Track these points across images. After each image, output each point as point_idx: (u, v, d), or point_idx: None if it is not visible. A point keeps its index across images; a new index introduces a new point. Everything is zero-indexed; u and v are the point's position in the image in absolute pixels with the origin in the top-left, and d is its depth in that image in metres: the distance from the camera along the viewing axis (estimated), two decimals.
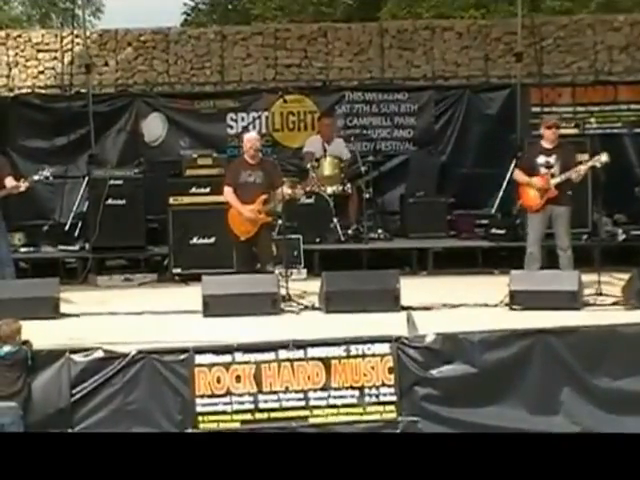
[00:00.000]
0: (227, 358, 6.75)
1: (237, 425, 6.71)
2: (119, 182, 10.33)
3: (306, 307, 8.18)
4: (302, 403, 6.77)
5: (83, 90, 12.10)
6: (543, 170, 8.68)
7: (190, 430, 6.65)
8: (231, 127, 12.15)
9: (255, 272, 8.52)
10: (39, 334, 6.87)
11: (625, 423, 6.79)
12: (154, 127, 12.11)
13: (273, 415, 6.75)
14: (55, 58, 12.47)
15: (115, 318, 7.98)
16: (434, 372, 6.86)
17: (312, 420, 6.76)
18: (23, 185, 8.71)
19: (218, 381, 6.73)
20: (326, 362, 6.80)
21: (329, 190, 10.76)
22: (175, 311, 8.06)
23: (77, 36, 12.36)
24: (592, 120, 11.05)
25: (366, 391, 6.80)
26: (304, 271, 10.01)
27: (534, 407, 6.89)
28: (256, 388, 6.75)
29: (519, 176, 8.88)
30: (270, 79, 12.50)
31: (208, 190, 9.93)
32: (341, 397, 6.81)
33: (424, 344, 6.88)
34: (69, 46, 12.38)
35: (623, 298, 7.96)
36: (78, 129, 11.88)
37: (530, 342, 6.94)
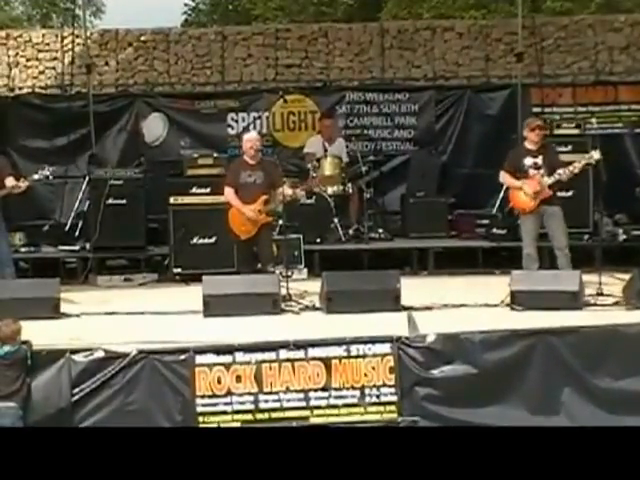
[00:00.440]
0: (228, 358, 6.74)
1: (237, 425, 6.68)
2: (119, 182, 10.34)
3: (307, 307, 8.17)
4: (303, 403, 6.75)
5: (83, 90, 12.13)
6: (532, 172, 8.66)
7: None
8: (232, 127, 12.16)
9: (256, 272, 8.53)
10: (39, 334, 6.86)
11: (626, 423, 6.75)
12: (155, 127, 12.13)
13: (274, 415, 6.73)
14: (55, 58, 12.49)
15: (115, 318, 7.97)
16: (435, 372, 6.84)
17: (313, 420, 6.74)
18: (23, 185, 8.71)
19: (219, 381, 6.72)
20: (327, 362, 6.79)
21: (330, 190, 10.76)
22: (176, 311, 8.05)
23: (77, 36, 12.39)
24: (593, 120, 11.04)
25: (367, 391, 6.78)
26: (305, 271, 10.03)
27: (535, 407, 6.87)
28: (257, 388, 6.73)
29: (508, 180, 8.82)
30: (271, 79, 12.52)
31: (209, 190, 9.94)
32: (342, 397, 6.79)
33: (425, 344, 6.87)
34: (69, 46, 12.40)
35: (624, 298, 7.95)
36: (78, 129, 11.91)
37: (531, 342, 6.93)
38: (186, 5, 22.12)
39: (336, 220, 10.69)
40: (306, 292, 8.61)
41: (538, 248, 8.82)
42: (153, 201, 10.49)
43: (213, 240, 9.93)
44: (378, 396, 6.79)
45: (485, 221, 11.12)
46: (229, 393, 6.72)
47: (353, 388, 6.79)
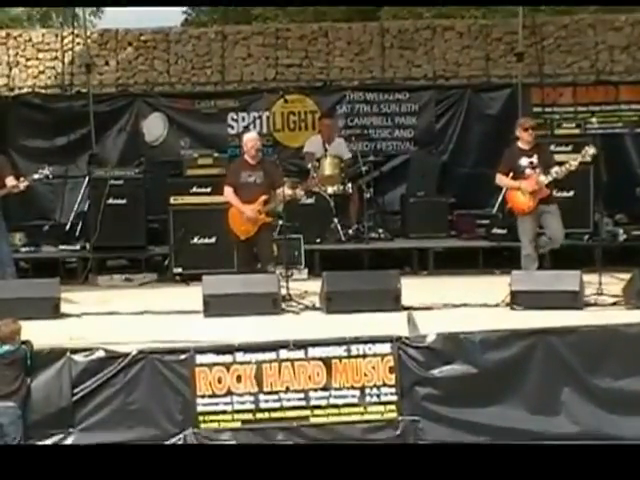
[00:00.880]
0: (228, 358, 6.74)
1: (238, 425, 6.70)
2: (120, 182, 10.36)
3: (307, 307, 8.18)
4: (303, 403, 6.76)
5: (84, 90, 12.14)
6: (528, 171, 8.65)
7: (191, 430, 6.64)
8: (232, 127, 12.17)
9: (256, 272, 8.52)
10: (40, 334, 6.87)
11: (626, 423, 6.78)
12: (155, 127, 12.13)
13: (274, 415, 6.74)
14: (56, 58, 12.50)
15: (116, 318, 7.98)
16: (435, 372, 6.85)
17: (313, 420, 6.75)
18: (22, 184, 8.73)
19: (219, 381, 6.72)
20: (327, 362, 6.79)
21: (330, 190, 10.77)
22: (176, 311, 8.06)
23: (77, 36, 12.40)
24: (593, 120, 11.06)
25: (367, 391, 6.79)
26: (305, 271, 10.03)
27: (535, 407, 6.88)
28: (257, 388, 6.74)
29: (504, 181, 8.81)
30: (271, 79, 12.53)
31: (209, 190, 9.94)
32: (342, 397, 6.80)
33: (425, 344, 6.87)
34: (69, 46, 12.41)
35: (624, 298, 7.96)
36: (79, 129, 11.92)
37: (531, 342, 6.93)
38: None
39: (336, 220, 10.69)
40: (306, 292, 8.62)
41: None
42: (153, 201, 10.50)
43: (213, 240, 9.93)
44: (378, 396, 6.80)
45: (485, 221, 11.13)
46: (229, 393, 6.73)
47: (353, 388, 6.79)
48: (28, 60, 12.54)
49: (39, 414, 6.60)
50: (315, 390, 6.77)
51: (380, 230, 11.02)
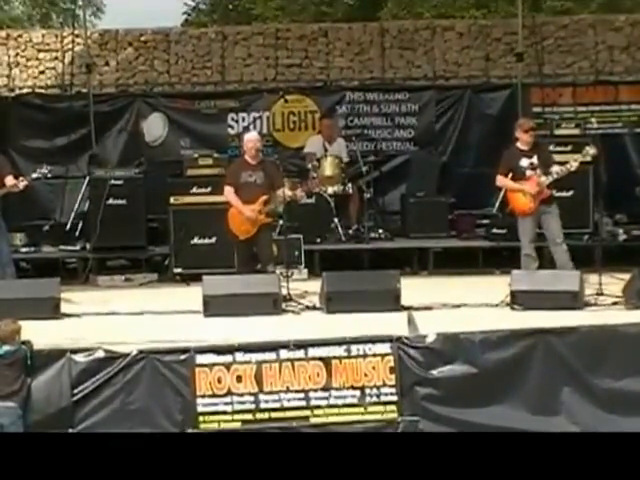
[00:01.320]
0: (228, 358, 6.75)
1: (238, 425, 6.71)
2: (120, 182, 10.36)
3: (307, 307, 8.18)
4: (303, 403, 6.76)
5: (84, 90, 12.15)
6: (529, 172, 8.64)
7: (190, 430, 6.64)
8: (232, 127, 12.17)
9: (256, 272, 8.53)
10: (40, 334, 6.87)
11: (626, 423, 6.78)
12: (155, 127, 12.14)
13: (274, 415, 6.74)
14: (56, 58, 12.51)
15: (116, 318, 7.99)
16: (435, 372, 6.85)
17: (313, 420, 6.75)
18: (22, 183, 8.72)
19: (219, 381, 6.73)
20: (327, 362, 6.80)
21: (330, 190, 10.77)
22: (176, 311, 8.06)
23: (78, 36, 12.41)
24: (593, 120, 11.04)
25: (367, 391, 6.80)
26: (305, 271, 10.03)
27: (535, 407, 6.88)
28: (257, 388, 6.74)
29: (506, 182, 8.79)
30: (271, 79, 12.53)
31: (209, 190, 9.95)
32: (342, 397, 6.80)
33: (425, 344, 6.88)
34: (70, 46, 12.42)
35: (624, 298, 7.96)
36: (79, 129, 11.92)
37: (531, 342, 6.94)
38: (186, 5, 22.14)
39: (336, 220, 10.69)
40: (306, 292, 8.62)
41: (537, 248, 8.83)
42: (153, 201, 10.49)
43: (213, 240, 9.93)
44: (378, 396, 6.80)
45: (485, 221, 11.14)
46: (229, 393, 6.73)
47: (353, 388, 6.80)
48: (28, 60, 12.54)
49: (39, 414, 6.60)
50: (315, 390, 6.77)
51: (380, 230, 11.03)
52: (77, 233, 10.97)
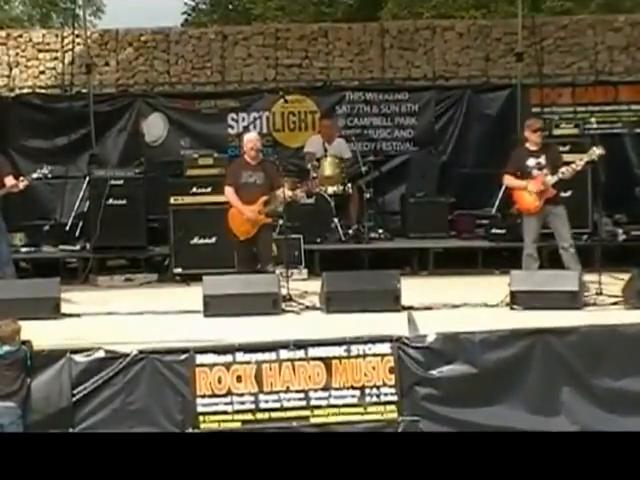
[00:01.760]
0: (228, 358, 6.75)
1: (238, 425, 6.71)
2: (120, 182, 10.38)
3: (307, 307, 8.19)
4: (303, 403, 6.77)
5: (84, 90, 12.16)
6: (535, 172, 8.65)
7: (191, 430, 6.65)
8: (232, 127, 12.19)
9: (256, 272, 8.53)
10: (40, 334, 6.88)
11: (625, 423, 6.79)
12: (155, 127, 12.15)
13: (274, 415, 6.75)
14: (56, 58, 12.52)
15: (116, 318, 7.99)
16: (435, 372, 6.86)
17: (313, 420, 6.76)
18: (22, 184, 8.73)
19: (219, 381, 6.73)
20: (327, 362, 6.80)
21: (330, 190, 10.78)
22: (176, 311, 8.07)
23: (78, 36, 12.41)
24: (592, 120, 11.04)
25: (367, 391, 6.80)
26: (305, 271, 10.04)
27: (534, 407, 6.89)
28: (257, 388, 6.75)
29: (512, 181, 8.81)
30: (271, 79, 12.55)
31: (209, 190, 9.96)
32: (342, 397, 6.81)
33: (425, 344, 6.89)
34: (70, 46, 12.42)
35: (623, 298, 7.97)
36: (79, 129, 11.93)
37: (530, 342, 6.95)
38: (186, 5, 22.17)
39: (336, 220, 10.71)
40: (306, 292, 8.63)
41: (538, 248, 8.83)
42: (153, 201, 10.51)
43: (213, 240, 9.94)
44: (378, 396, 6.81)
45: (485, 221, 11.16)
46: (229, 393, 6.73)
47: (353, 388, 6.80)
48: (28, 60, 12.55)
49: (39, 414, 6.60)
50: (315, 390, 6.78)
51: (380, 230, 11.04)
52: (77, 233, 10.98)
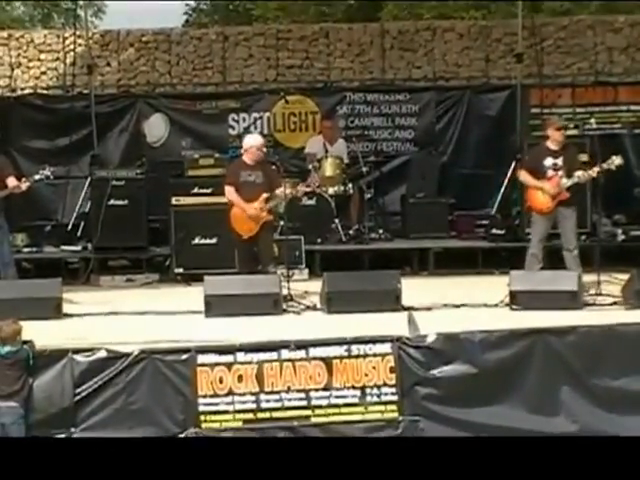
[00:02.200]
0: (229, 358, 6.77)
1: (239, 424, 6.73)
2: (121, 182, 10.41)
3: (308, 307, 8.21)
4: (304, 403, 6.78)
5: (85, 91, 12.17)
6: (550, 172, 8.64)
7: (192, 429, 6.68)
8: (233, 128, 12.22)
9: (257, 272, 8.56)
10: (42, 334, 6.90)
11: (625, 422, 6.81)
12: (156, 128, 12.18)
13: (275, 415, 6.76)
14: (57, 59, 12.54)
15: (117, 318, 8.01)
16: (435, 372, 6.88)
17: (314, 419, 6.78)
18: (24, 185, 8.74)
19: (220, 381, 6.75)
20: (328, 362, 6.82)
21: (330, 191, 10.81)
22: (177, 311, 8.09)
23: (79, 37, 12.41)
24: (592, 121, 11.06)
25: (367, 391, 6.82)
26: (306, 271, 10.07)
27: (534, 406, 6.91)
28: (258, 388, 6.77)
29: (528, 179, 8.77)
30: (272, 80, 12.58)
31: (210, 190, 9.98)
32: (343, 397, 6.83)
33: (425, 344, 6.90)
34: (71, 47, 12.41)
35: (622, 298, 7.99)
36: (80, 130, 11.94)
37: (530, 342, 6.96)
38: (187, 5, 22.17)
39: (337, 221, 10.74)
40: (307, 292, 8.65)
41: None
42: (155, 201, 10.53)
43: (214, 240, 9.97)
44: (379, 395, 6.83)
45: (484, 222, 11.18)
46: (231, 393, 6.75)
47: (354, 388, 6.82)
48: (30, 61, 12.57)
49: (41, 414, 6.62)
50: (316, 390, 6.80)
51: (380, 230, 11.07)
52: (79, 233, 11.01)
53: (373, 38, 12.60)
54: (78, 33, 12.54)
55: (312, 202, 10.66)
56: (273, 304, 7.91)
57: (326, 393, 6.81)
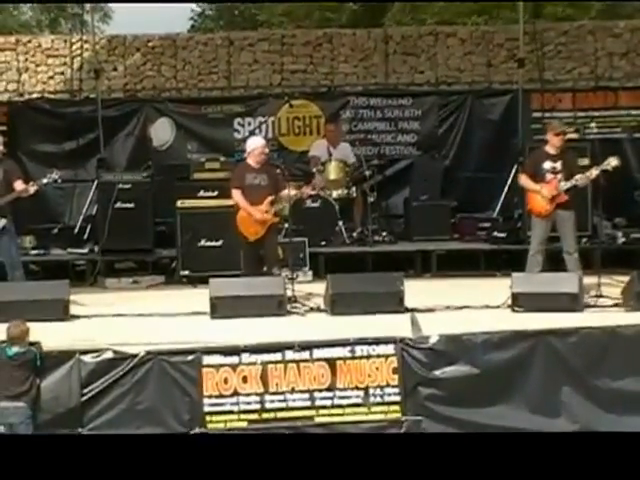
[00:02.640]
0: (234, 359, 6.82)
1: (244, 424, 6.78)
2: (128, 186, 10.45)
3: (312, 309, 8.25)
4: (308, 403, 6.83)
5: (92, 95, 12.22)
6: (549, 176, 8.68)
7: (198, 430, 6.73)
8: (238, 132, 12.26)
9: (262, 274, 8.63)
10: (49, 335, 6.95)
11: (625, 423, 6.84)
12: (162, 132, 12.22)
13: (279, 415, 6.82)
14: (64, 63, 12.58)
15: (124, 320, 8.05)
16: (438, 373, 6.92)
17: (318, 420, 6.82)
18: (32, 188, 8.73)
19: (225, 381, 6.80)
20: (331, 363, 6.87)
21: (334, 194, 10.85)
22: (183, 313, 8.14)
23: (86, 42, 12.47)
24: (592, 125, 11.12)
25: (371, 391, 6.86)
26: (310, 273, 10.11)
27: (536, 407, 6.96)
28: (263, 388, 6.82)
29: (527, 182, 8.82)
30: (276, 84, 12.62)
31: (216, 194, 10.00)
32: (346, 397, 6.87)
33: (428, 345, 6.95)
34: (78, 52, 12.48)
35: (623, 300, 8.02)
36: (87, 134, 11.98)
37: (532, 343, 7.01)
38: (192, 11, 22.25)
39: (341, 223, 10.79)
40: (311, 294, 8.69)
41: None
42: (161, 204, 10.57)
43: (220, 243, 10.00)
44: (382, 396, 6.87)
45: (487, 224, 11.22)
46: (236, 393, 6.80)
47: (357, 388, 6.87)
48: (38, 66, 12.62)
49: (49, 414, 6.68)
50: (320, 390, 6.85)
51: (384, 233, 11.10)
52: (85, 236, 11.05)
53: (376, 43, 12.64)
54: (85, 38, 12.60)
55: (316, 205, 10.72)
56: (277, 306, 7.95)
57: (330, 394, 6.86)
